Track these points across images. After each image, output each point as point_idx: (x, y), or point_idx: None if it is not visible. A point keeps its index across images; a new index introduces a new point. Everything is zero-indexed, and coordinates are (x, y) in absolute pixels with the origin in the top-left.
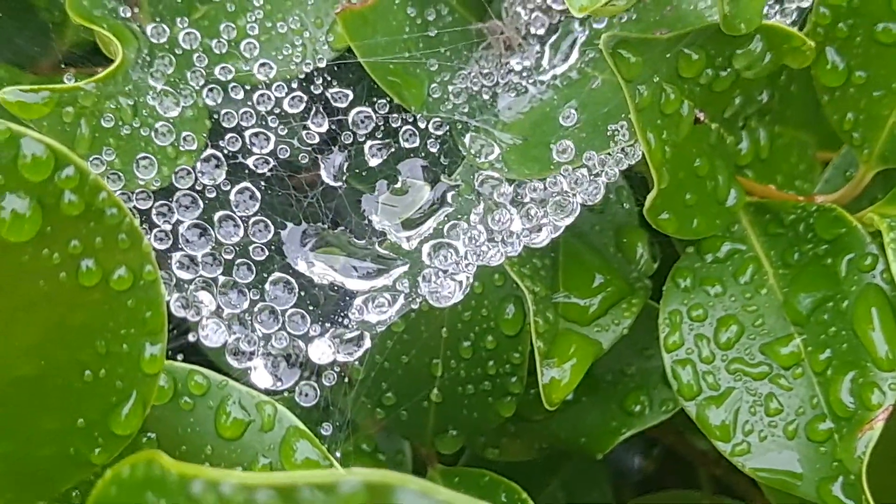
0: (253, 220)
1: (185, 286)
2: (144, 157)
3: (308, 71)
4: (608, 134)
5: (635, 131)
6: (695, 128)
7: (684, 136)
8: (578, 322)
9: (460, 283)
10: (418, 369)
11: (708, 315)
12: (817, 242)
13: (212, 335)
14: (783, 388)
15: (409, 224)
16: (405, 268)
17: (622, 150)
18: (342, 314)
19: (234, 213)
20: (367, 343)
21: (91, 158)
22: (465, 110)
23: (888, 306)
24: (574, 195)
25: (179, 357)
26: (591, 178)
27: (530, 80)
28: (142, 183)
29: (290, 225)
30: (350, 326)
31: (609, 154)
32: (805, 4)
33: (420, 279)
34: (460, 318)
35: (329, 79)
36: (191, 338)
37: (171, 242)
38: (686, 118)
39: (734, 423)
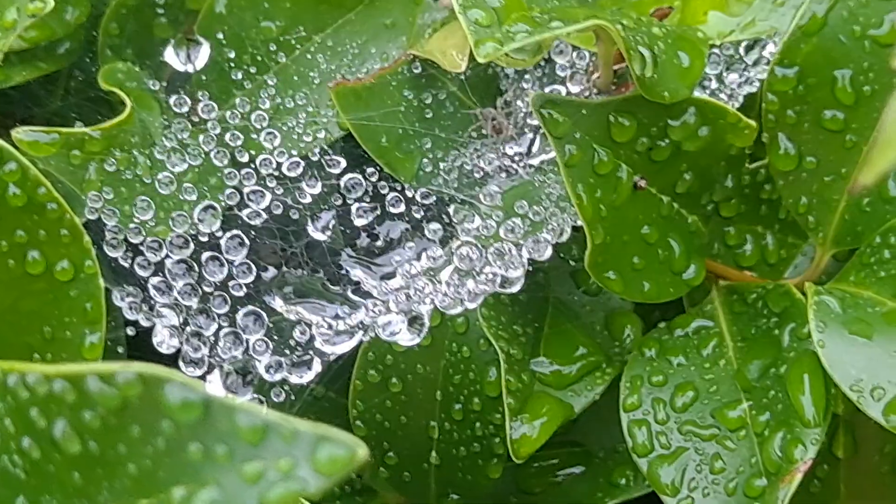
0: (238, 262)
1: (154, 302)
2: (143, 200)
3: (308, 141)
4: (537, 186)
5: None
6: (638, 194)
7: (624, 200)
8: (553, 386)
9: (404, 319)
10: (416, 431)
11: (668, 381)
12: (770, 316)
13: (167, 340)
14: (728, 449)
15: (384, 277)
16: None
17: (555, 203)
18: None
19: (223, 256)
20: (318, 367)
21: (91, 194)
22: (455, 186)
23: (819, 372)
24: (517, 246)
25: (119, 350)
26: (527, 228)
27: (521, 164)
28: (136, 221)
29: (271, 268)
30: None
31: (542, 206)
32: (753, 89)
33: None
34: (451, 381)
35: (325, 147)
36: (129, 331)
37: (152, 271)
38: (625, 183)
39: (682, 480)
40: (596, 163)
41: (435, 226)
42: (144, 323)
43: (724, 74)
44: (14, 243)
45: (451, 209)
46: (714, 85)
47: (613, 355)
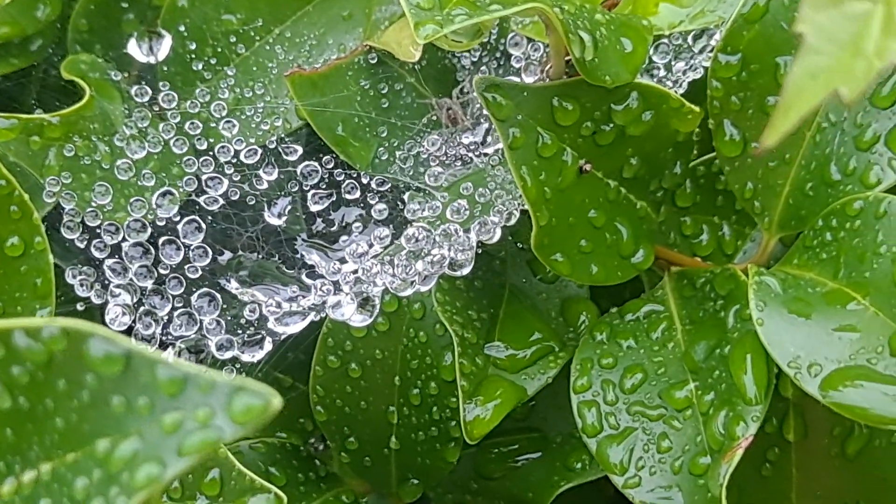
0: (194, 246)
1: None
2: (101, 185)
3: (266, 129)
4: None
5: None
6: (583, 178)
7: (569, 183)
8: (508, 370)
9: (353, 299)
10: (376, 416)
11: (617, 363)
12: (716, 299)
13: (119, 318)
14: (674, 429)
15: (339, 261)
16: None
17: (501, 185)
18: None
19: (179, 240)
20: (269, 346)
21: (49, 179)
22: (411, 174)
23: (761, 352)
24: (465, 229)
25: None
26: (472, 211)
27: (476, 153)
28: (94, 205)
29: (227, 252)
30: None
31: (488, 188)
32: (697, 76)
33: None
34: (409, 366)
35: (282, 135)
36: (79, 306)
37: (108, 253)
38: (570, 166)
39: (629, 459)
40: (540, 146)
41: (381, 206)
42: (96, 300)
43: (672, 63)
44: None
45: (405, 196)
46: (662, 73)
47: (568, 341)
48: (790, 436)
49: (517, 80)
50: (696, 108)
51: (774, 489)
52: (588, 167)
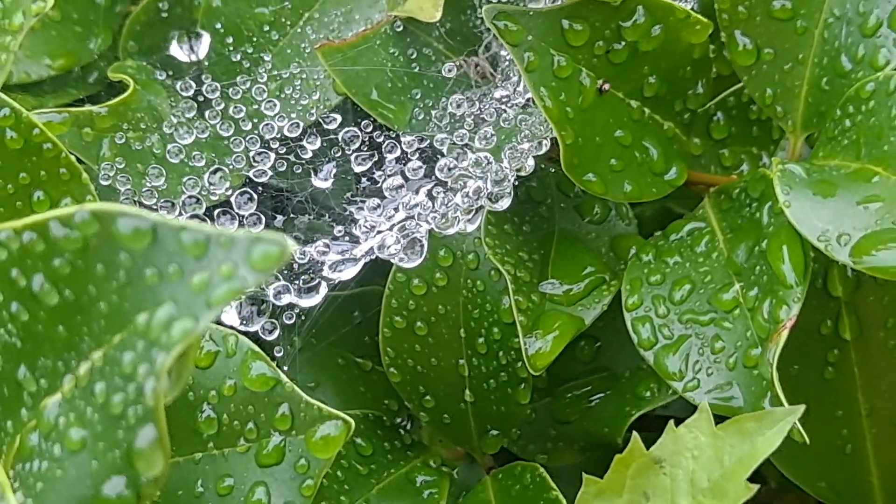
0: (247, 214)
1: None
2: (155, 168)
3: (305, 104)
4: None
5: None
6: (604, 98)
7: (591, 103)
8: (564, 303)
9: (398, 237)
10: (448, 370)
11: (665, 279)
12: (751, 203)
13: None
14: (725, 329)
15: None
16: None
17: (523, 109)
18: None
19: (233, 210)
20: (324, 289)
21: (103, 164)
22: (448, 130)
23: (795, 239)
24: (497, 160)
25: None
26: (498, 137)
27: (509, 105)
28: (149, 186)
29: (279, 216)
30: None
31: (510, 113)
32: None
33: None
34: (472, 317)
35: (323, 109)
36: None
37: None
38: (589, 87)
39: (686, 365)
40: (556, 68)
41: (409, 138)
42: None
43: None
44: (19, 185)
45: (444, 148)
46: None
47: (619, 272)
48: (846, 334)
49: None
50: (704, 20)
51: (839, 391)
52: (606, 87)
